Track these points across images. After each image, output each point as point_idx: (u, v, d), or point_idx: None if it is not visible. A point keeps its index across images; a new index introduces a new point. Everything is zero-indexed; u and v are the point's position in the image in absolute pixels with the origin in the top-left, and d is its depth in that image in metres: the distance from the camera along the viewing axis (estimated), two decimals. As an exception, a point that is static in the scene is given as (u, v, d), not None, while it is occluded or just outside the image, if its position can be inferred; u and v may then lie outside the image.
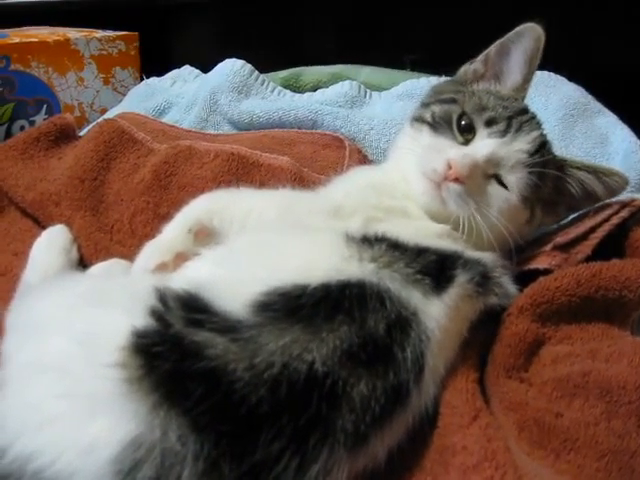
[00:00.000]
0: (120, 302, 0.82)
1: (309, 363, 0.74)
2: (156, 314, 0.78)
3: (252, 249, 0.96)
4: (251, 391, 0.71)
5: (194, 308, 0.79)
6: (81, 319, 0.80)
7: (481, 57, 1.19)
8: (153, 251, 1.06)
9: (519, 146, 1.05)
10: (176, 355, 0.73)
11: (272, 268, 0.88)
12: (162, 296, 0.81)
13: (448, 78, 1.69)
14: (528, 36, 1.10)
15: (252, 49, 2.46)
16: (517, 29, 1.11)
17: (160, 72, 2.11)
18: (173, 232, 1.08)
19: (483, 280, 0.95)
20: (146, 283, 0.87)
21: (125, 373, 0.71)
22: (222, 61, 1.84)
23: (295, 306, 0.80)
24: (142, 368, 0.72)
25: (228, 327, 0.77)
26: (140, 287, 0.85)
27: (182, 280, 0.88)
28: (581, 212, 1.13)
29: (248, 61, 1.82)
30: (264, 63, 1.93)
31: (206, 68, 1.92)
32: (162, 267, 1.01)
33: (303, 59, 2.08)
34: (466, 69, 1.21)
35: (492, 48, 1.16)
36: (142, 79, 2.21)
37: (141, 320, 0.77)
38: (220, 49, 2.80)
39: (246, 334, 0.76)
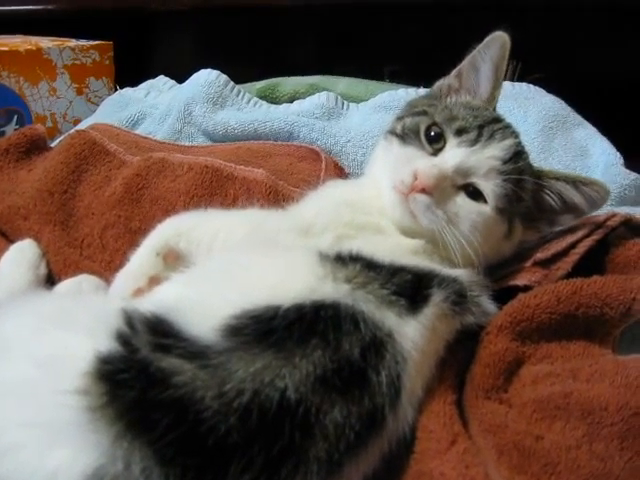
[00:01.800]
0: (85, 324, 0.79)
1: (281, 390, 0.72)
2: (122, 338, 0.75)
3: (222, 269, 0.94)
4: (220, 420, 0.68)
5: (162, 332, 0.76)
6: (44, 342, 0.77)
7: (454, 72, 1.18)
8: (126, 279, 1.04)
9: (491, 153, 1.03)
10: (141, 383, 0.70)
11: (243, 289, 0.86)
12: (129, 319, 0.78)
13: (426, 89, 1.70)
14: (494, 45, 1.09)
15: (231, 59, 2.44)
16: (485, 40, 1.10)
17: (136, 82, 2.08)
18: (142, 257, 1.06)
19: (459, 299, 0.93)
20: (113, 305, 0.84)
21: (87, 400, 0.68)
22: (205, 69, 1.80)
23: (267, 329, 0.77)
24: (105, 395, 0.69)
25: (196, 353, 0.74)
26: (107, 309, 0.83)
27: (151, 303, 0.85)
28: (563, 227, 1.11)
29: (226, 71, 1.80)
30: (243, 73, 1.90)
31: (184, 78, 1.88)
32: (138, 293, 1.00)
33: (283, 69, 2.06)
34: (440, 84, 1.20)
35: (465, 62, 1.15)
36: (116, 89, 2.18)
37: (106, 344, 0.74)
38: (198, 59, 2.79)
39: (215, 360, 0.73)
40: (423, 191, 0.98)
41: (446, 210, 1.00)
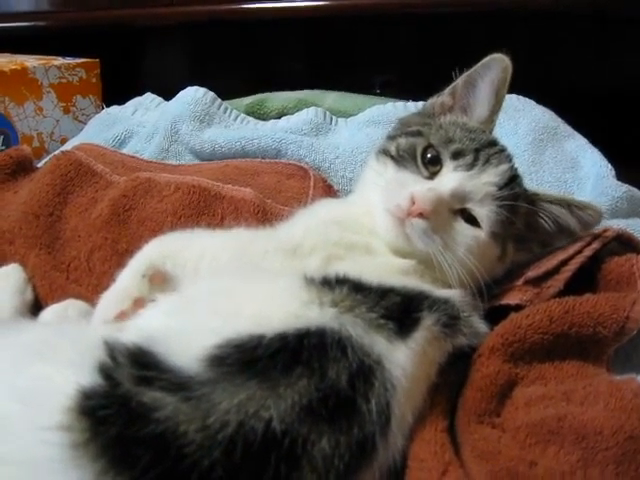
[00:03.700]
0: (68, 356, 0.77)
1: (266, 421, 0.70)
2: (104, 371, 0.73)
3: (206, 297, 0.92)
4: (203, 455, 0.67)
5: (144, 364, 0.75)
6: (26, 375, 0.75)
7: (448, 89, 1.17)
8: (110, 301, 1.02)
9: (487, 179, 1.02)
10: (123, 419, 0.68)
11: (227, 317, 0.84)
12: (111, 351, 0.76)
13: (415, 103, 1.68)
14: (495, 67, 1.08)
15: (220, 74, 2.44)
16: (484, 60, 1.09)
17: (125, 99, 2.07)
18: (127, 279, 1.04)
19: (450, 321, 0.91)
20: (96, 335, 0.82)
21: (69, 437, 0.67)
22: (192, 87, 1.79)
23: (250, 359, 0.75)
24: (87, 432, 0.67)
25: (179, 385, 0.72)
26: (90, 340, 0.81)
27: (134, 332, 0.83)
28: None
29: (216, 86, 1.79)
30: (232, 88, 1.89)
31: (174, 94, 1.85)
32: (122, 316, 0.97)
33: (273, 83, 2.05)
34: (433, 102, 1.19)
35: (459, 80, 1.14)
36: (103, 107, 2.17)
37: (89, 377, 0.72)
38: (187, 74, 2.79)
39: (198, 392, 0.71)
40: (420, 215, 0.97)
41: (443, 235, 0.99)
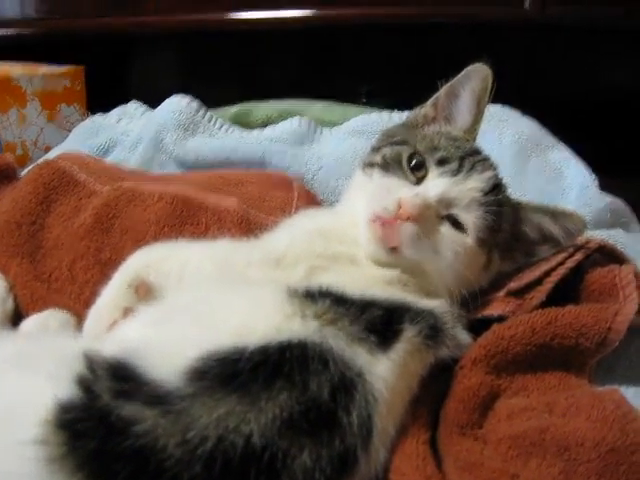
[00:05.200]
0: (46, 369, 0.76)
1: (246, 436, 0.70)
2: (83, 383, 0.73)
3: (187, 308, 0.91)
4: (183, 469, 0.66)
5: (123, 377, 0.74)
6: (3, 388, 0.75)
7: (431, 101, 1.17)
8: (101, 313, 1.02)
9: (472, 185, 1.02)
10: (101, 432, 0.68)
11: (208, 329, 0.84)
12: (90, 363, 0.76)
13: (400, 113, 1.69)
14: (476, 76, 1.08)
15: (207, 82, 2.43)
16: (465, 71, 1.10)
17: (111, 107, 2.05)
18: (114, 291, 1.04)
19: (432, 332, 0.91)
20: (76, 347, 0.81)
21: (46, 451, 0.66)
22: (177, 95, 1.78)
23: (231, 372, 0.75)
24: (65, 445, 0.67)
25: (158, 398, 0.71)
26: (69, 352, 0.80)
27: (113, 344, 0.83)
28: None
29: (203, 95, 1.78)
30: (220, 96, 1.89)
31: (161, 103, 1.85)
32: (115, 326, 0.97)
33: (261, 91, 2.04)
34: (416, 113, 1.19)
35: (441, 91, 1.15)
36: (88, 115, 2.16)
37: (67, 390, 0.72)
38: (176, 82, 2.78)
39: (178, 406, 0.71)
40: (408, 220, 0.97)
41: (431, 240, 0.99)
